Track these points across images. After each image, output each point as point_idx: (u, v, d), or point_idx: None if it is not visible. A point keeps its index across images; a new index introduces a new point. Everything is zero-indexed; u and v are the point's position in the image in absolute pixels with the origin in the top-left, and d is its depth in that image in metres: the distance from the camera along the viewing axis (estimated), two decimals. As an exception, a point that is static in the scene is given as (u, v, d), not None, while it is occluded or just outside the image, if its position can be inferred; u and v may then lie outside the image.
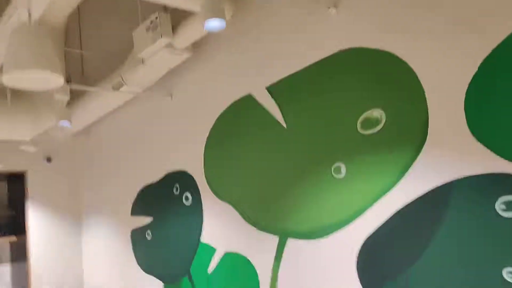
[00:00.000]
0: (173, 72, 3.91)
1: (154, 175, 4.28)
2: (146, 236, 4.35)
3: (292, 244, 2.89)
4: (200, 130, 3.69)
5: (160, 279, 4.17)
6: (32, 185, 5.35)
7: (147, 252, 4.34)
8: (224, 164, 3.45)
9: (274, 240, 3.01)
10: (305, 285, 2.80)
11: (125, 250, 4.70)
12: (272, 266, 3.03)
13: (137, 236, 4.51)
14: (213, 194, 3.56)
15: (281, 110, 2.98)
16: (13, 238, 5.34)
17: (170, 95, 4.02)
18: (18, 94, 3.85)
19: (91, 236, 5.46)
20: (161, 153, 4.18)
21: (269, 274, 3.05)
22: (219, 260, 3.49)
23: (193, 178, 3.78)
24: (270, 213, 3.05)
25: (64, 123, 3.35)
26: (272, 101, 3.04)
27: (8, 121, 3.60)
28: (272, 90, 3.04)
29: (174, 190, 4.00)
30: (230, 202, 3.40)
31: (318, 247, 2.72)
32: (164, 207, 4.12)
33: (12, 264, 5.58)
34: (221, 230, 3.48)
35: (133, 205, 4.60)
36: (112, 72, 4.04)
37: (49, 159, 5.49)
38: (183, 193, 3.88)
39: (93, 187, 5.41)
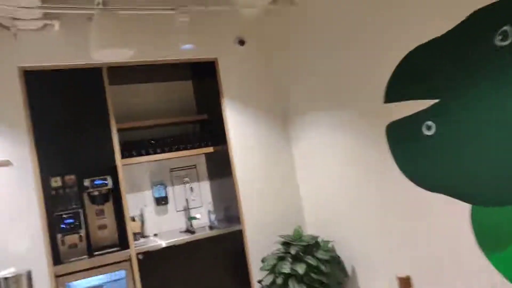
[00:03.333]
0: None
1: (435, 27, 2.48)
2: (423, 130, 2.66)
3: None
4: None
5: (462, 199, 2.49)
6: (224, 79, 4.05)
7: (428, 156, 2.66)
8: None
9: None
10: None
11: (376, 156, 3.11)
12: None
13: (401, 133, 2.85)
14: None
15: None
16: (210, 149, 4.21)
17: None
18: None
19: (306, 141, 4.03)
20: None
21: None
22: None
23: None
24: None
25: None
26: None
27: None
28: None
29: (497, 39, 2.16)
30: None
31: None
32: (467, 74, 2.33)
33: (211, 180, 4.53)
34: None
35: (388, 86, 2.91)
36: None
37: (242, 42, 4.07)
38: (527, 39, 2.02)
39: (304, 75, 3.88)
